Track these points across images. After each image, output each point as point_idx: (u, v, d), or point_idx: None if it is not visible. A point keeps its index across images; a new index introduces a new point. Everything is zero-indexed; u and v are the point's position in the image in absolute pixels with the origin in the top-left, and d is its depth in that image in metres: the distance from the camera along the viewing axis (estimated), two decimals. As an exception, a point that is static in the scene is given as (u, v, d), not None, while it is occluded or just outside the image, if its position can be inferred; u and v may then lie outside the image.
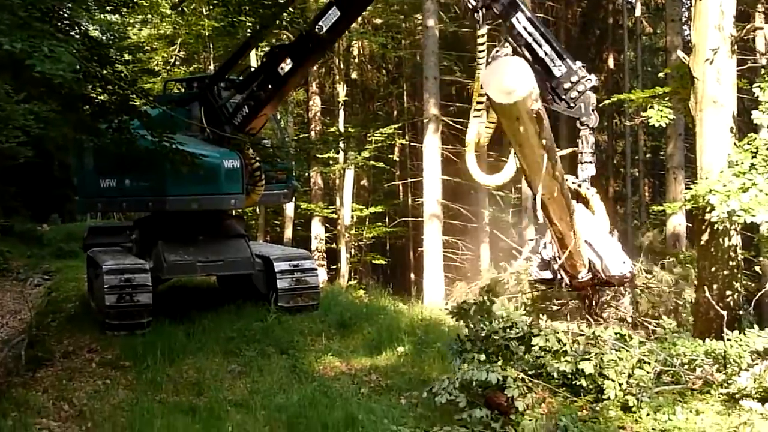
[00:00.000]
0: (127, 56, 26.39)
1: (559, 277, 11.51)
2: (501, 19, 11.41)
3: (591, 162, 10.88)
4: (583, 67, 10.63)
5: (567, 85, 10.68)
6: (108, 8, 14.35)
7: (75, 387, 10.54)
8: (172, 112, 13.70)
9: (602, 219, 11.14)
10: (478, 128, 12.07)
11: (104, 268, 13.12)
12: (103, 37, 27.81)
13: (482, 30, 11.71)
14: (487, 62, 11.47)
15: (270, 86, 13.81)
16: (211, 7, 22.02)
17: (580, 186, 10.91)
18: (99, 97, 11.85)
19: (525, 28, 11.01)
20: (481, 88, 11.69)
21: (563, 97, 10.77)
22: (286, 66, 13.56)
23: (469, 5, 11.53)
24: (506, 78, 7.88)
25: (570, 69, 10.66)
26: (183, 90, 15.87)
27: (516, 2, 11.32)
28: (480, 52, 11.82)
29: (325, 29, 13.00)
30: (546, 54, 10.82)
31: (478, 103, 11.92)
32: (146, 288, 13.10)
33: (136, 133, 11.96)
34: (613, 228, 11.47)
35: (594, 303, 12.10)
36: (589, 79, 10.57)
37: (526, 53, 11.08)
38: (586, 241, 10.99)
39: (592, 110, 10.72)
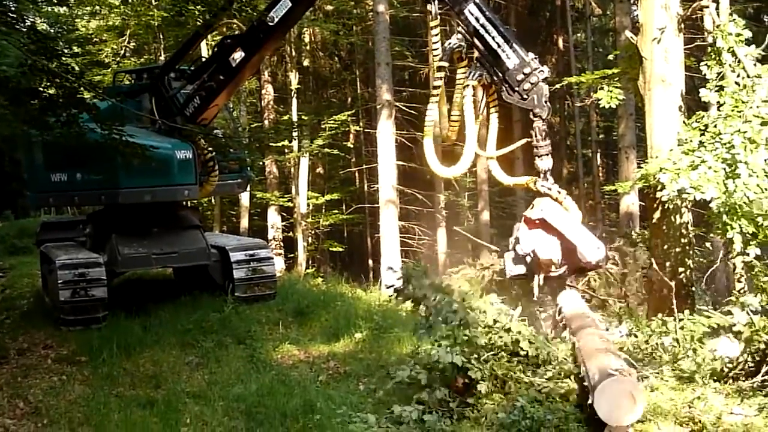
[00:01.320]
0: (76, 48, 26.12)
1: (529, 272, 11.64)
2: (452, 9, 11.44)
3: (547, 154, 10.98)
4: (535, 58, 10.69)
5: (520, 77, 10.74)
6: (55, 0, 14.15)
7: (30, 384, 10.39)
8: (121, 104, 13.56)
9: (575, 214, 11.27)
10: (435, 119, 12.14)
11: (57, 263, 12.97)
12: (51, 30, 27.43)
13: (435, 21, 11.78)
14: (442, 56, 11.58)
15: (222, 77, 13.71)
16: (159, -3, 21.82)
17: (550, 189, 11.01)
18: (47, 91, 11.68)
19: (477, 19, 11.05)
20: (437, 80, 11.80)
21: (516, 88, 10.85)
22: (238, 56, 13.47)
23: None
24: None
25: (522, 60, 10.72)
26: (133, 81, 15.70)
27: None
28: (434, 43, 11.87)
29: (276, 19, 12.93)
30: (498, 45, 10.87)
31: (434, 95, 11.96)
32: (101, 282, 12.97)
33: (85, 126, 11.80)
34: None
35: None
36: (541, 71, 10.64)
37: (478, 44, 11.14)
38: (559, 233, 11.12)
39: (545, 102, 10.79)
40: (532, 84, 10.73)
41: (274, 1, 13.08)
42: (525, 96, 10.84)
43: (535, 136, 10.93)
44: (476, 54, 11.45)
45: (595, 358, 8.31)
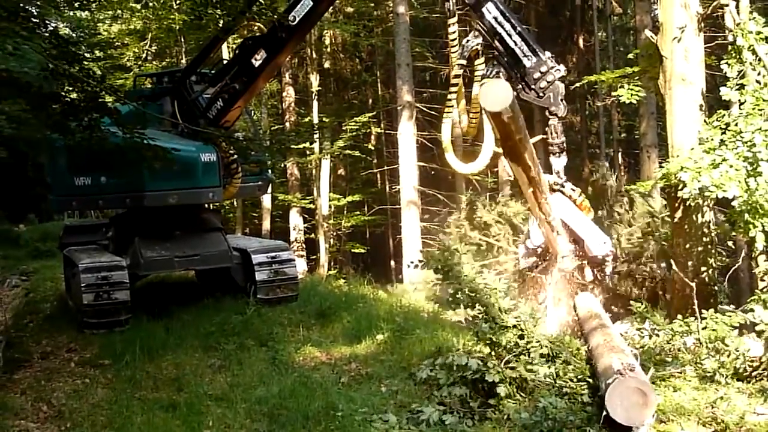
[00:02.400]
0: (98, 53, 26.32)
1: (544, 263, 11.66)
2: (472, 8, 11.48)
3: (562, 151, 11.01)
4: (552, 57, 10.74)
5: (536, 75, 10.78)
6: (76, 4, 14.24)
7: (54, 387, 10.45)
8: (143, 108, 13.63)
9: (588, 211, 11.30)
10: (454, 126, 12.21)
11: (81, 267, 13.04)
12: (73, 34, 27.63)
13: (453, 19, 11.81)
14: (460, 54, 11.65)
15: (244, 78, 13.75)
16: (179, 1, 21.90)
17: (563, 186, 11.03)
18: (69, 95, 11.75)
19: (495, 18, 11.11)
20: (455, 78, 11.85)
21: (533, 86, 10.89)
22: (260, 57, 13.50)
23: None
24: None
25: (539, 59, 10.76)
26: (154, 85, 15.77)
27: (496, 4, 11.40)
28: (452, 41, 11.89)
29: (297, 19, 12.96)
30: (516, 44, 10.92)
31: (452, 85, 11.99)
32: (123, 285, 13.02)
33: (107, 130, 11.86)
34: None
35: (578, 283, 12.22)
36: (558, 69, 10.68)
37: (495, 42, 11.18)
38: (567, 226, 11.12)
39: (561, 100, 10.82)
40: (548, 82, 10.77)
41: (294, 1, 13.12)
42: (541, 94, 10.88)
43: (551, 134, 10.98)
44: (494, 52, 11.49)
45: (602, 359, 8.35)
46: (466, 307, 10.59)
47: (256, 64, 13.56)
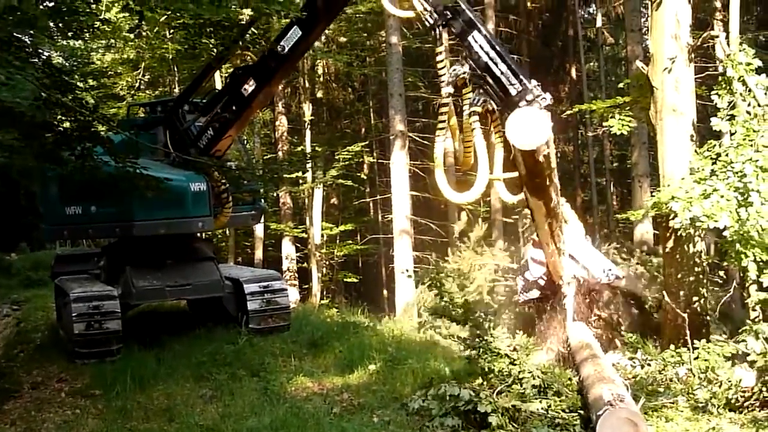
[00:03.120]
0: (91, 81, 26.36)
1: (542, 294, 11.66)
2: (458, 37, 11.51)
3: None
4: (538, 86, 10.71)
5: (522, 104, 10.73)
6: (69, 34, 14.27)
7: (44, 418, 10.40)
8: (135, 137, 13.65)
9: (576, 227, 11.26)
10: (446, 146, 12.18)
11: (72, 296, 12.99)
12: (66, 64, 27.67)
13: (440, 47, 11.83)
14: (448, 82, 11.65)
15: (234, 108, 13.76)
16: (172, 30, 21.98)
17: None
18: (61, 125, 11.77)
19: (482, 47, 11.10)
20: (444, 106, 11.85)
21: None
22: (250, 87, 13.52)
23: (427, 23, 11.66)
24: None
25: (525, 88, 10.73)
26: (147, 114, 15.80)
27: (473, 21, 11.43)
28: (440, 69, 11.92)
29: (287, 48, 12.98)
30: (502, 73, 10.90)
31: (441, 121, 11.99)
32: (115, 315, 12.97)
33: (99, 159, 11.87)
34: (587, 234, 11.60)
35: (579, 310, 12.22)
36: (543, 98, 10.64)
37: (481, 70, 11.19)
38: (570, 255, 11.12)
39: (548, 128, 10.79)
40: None
41: (284, 30, 13.15)
42: None
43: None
44: (481, 81, 11.52)
45: (593, 389, 8.34)
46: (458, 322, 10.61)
47: (246, 93, 13.57)
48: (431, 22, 11.72)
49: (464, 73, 11.61)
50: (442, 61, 11.92)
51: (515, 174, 11.99)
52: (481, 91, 11.47)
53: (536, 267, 11.40)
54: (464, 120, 11.79)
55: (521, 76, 10.84)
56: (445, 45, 12.00)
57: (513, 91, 10.86)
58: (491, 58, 11.12)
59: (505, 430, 8.67)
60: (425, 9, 11.87)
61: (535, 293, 11.90)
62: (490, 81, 11.20)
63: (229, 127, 13.98)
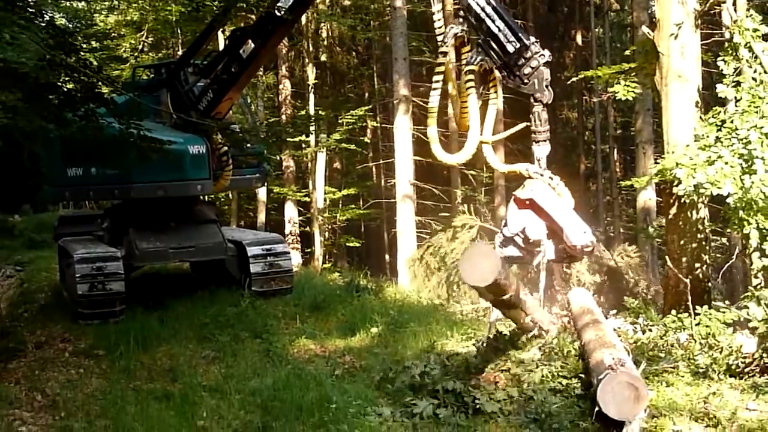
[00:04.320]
0: (94, 43, 26.25)
1: (523, 254, 11.53)
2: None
3: (545, 140, 10.85)
4: (536, 42, 10.58)
5: (520, 62, 10.61)
6: (72, -6, 14.23)
7: (48, 377, 10.46)
8: (139, 99, 13.61)
9: (568, 201, 11.17)
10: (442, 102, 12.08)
11: (75, 257, 13.04)
12: (70, 25, 27.54)
13: (438, 5, 11.77)
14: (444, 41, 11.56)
15: (233, 69, 13.70)
16: (175, -9, 21.89)
17: (542, 176, 10.88)
18: (65, 86, 11.73)
19: (478, 3, 10.99)
20: (440, 65, 11.78)
21: (516, 73, 10.73)
22: (248, 48, 13.47)
23: None
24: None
25: (523, 44, 10.59)
26: (151, 76, 15.74)
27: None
28: (438, 28, 11.85)
29: (284, 9, 12.91)
30: (499, 30, 10.76)
31: (437, 74, 11.89)
32: (118, 276, 13.03)
33: (103, 121, 11.85)
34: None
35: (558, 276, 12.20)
36: (542, 55, 10.48)
37: (479, 27, 11.09)
38: (546, 215, 11.00)
39: (546, 86, 10.64)
40: (532, 68, 10.57)
41: None
42: (525, 81, 10.71)
43: (534, 121, 10.76)
44: (479, 40, 11.41)
45: (595, 354, 8.38)
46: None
47: (245, 54, 13.49)
48: None
49: (461, 31, 11.54)
50: (439, 19, 11.85)
51: (507, 134, 11.88)
52: (479, 50, 11.38)
53: (514, 223, 11.27)
54: (461, 80, 11.72)
55: (519, 34, 10.72)
56: (441, 4, 11.92)
57: (510, 48, 10.73)
58: (488, 15, 10.97)
59: (507, 393, 8.71)
60: None
61: (512, 250, 11.76)
62: (487, 38, 11.10)
63: (228, 88, 13.91)
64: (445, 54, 11.75)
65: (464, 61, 11.50)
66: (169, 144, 12.85)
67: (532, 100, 10.73)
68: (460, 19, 11.59)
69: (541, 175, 10.82)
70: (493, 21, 10.92)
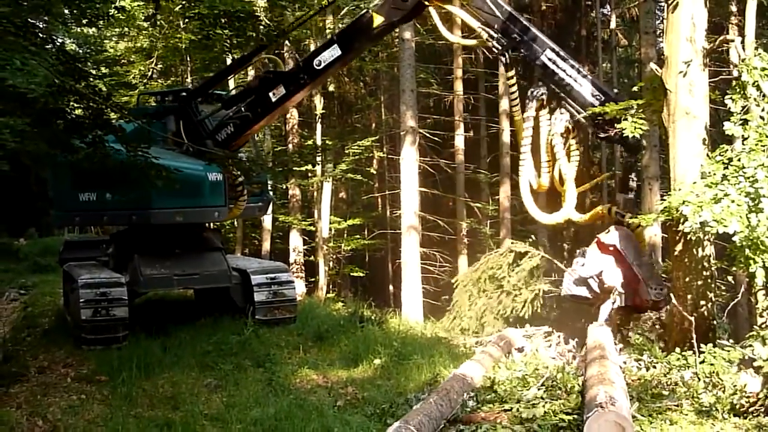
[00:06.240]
0: (103, 69, 26.39)
1: (593, 296, 11.75)
2: (528, 58, 12.09)
3: (633, 189, 11.43)
4: (618, 92, 11.06)
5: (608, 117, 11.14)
6: (84, 21, 14.31)
7: (49, 402, 10.44)
8: (147, 126, 13.70)
9: (632, 238, 11.47)
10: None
11: (80, 282, 13.06)
12: (80, 51, 27.73)
13: (510, 72, 12.25)
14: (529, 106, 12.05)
15: (259, 110, 14.02)
16: (186, 20, 22.02)
17: (623, 217, 11.30)
18: (73, 112, 11.79)
19: (556, 63, 11.64)
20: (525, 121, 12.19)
21: (606, 126, 11.32)
22: (278, 93, 13.77)
23: (495, 49, 12.04)
24: None
25: (609, 97, 11.15)
26: (158, 103, 15.85)
27: (543, 40, 11.77)
28: (512, 93, 12.31)
29: (323, 64, 13.30)
30: (582, 86, 11.33)
31: (525, 138, 12.39)
32: (122, 302, 13.05)
33: (110, 147, 11.89)
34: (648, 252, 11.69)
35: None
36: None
37: (563, 90, 11.67)
38: (626, 264, 11.21)
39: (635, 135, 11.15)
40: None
41: (324, 46, 13.51)
42: (615, 133, 11.27)
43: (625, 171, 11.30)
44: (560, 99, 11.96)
45: (591, 390, 8.35)
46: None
47: (274, 99, 13.81)
48: (499, 48, 12.08)
49: (542, 94, 12.03)
50: (513, 84, 12.32)
51: (592, 184, 12.29)
52: (562, 111, 11.81)
53: (593, 265, 11.44)
54: (546, 140, 12.12)
55: (602, 87, 11.22)
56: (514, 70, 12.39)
57: (597, 103, 11.16)
58: (569, 75, 11.51)
59: (511, 429, 8.68)
60: (491, 36, 12.19)
61: (583, 291, 11.91)
62: (570, 98, 11.56)
63: (250, 126, 14.21)
64: (527, 119, 12.27)
65: (549, 125, 11.90)
66: (187, 170, 12.97)
67: (622, 148, 11.31)
68: (539, 83, 12.11)
69: (623, 216, 11.14)
70: (575, 80, 11.37)
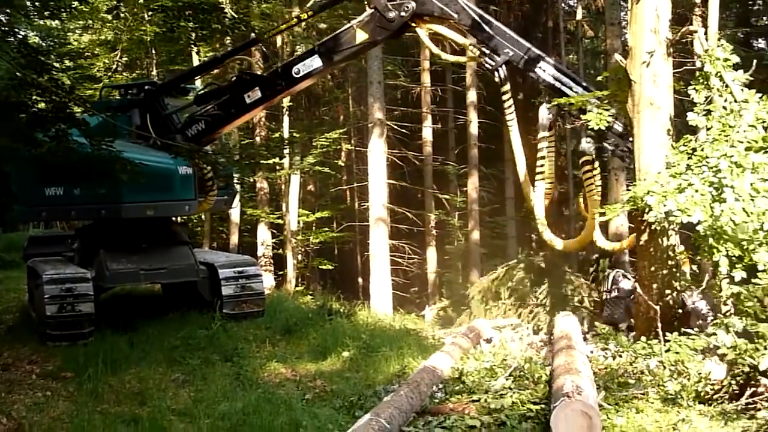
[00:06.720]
0: (67, 62, 26.11)
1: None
2: (524, 72, 12.58)
3: None
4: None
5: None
6: (46, 13, 14.16)
7: (14, 399, 10.31)
8: (113, 120, 13.58)
9: None
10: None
11: (44, 278, 12.93)
12: (43, 43, 27.40)
13: (505, 87, 12.40)
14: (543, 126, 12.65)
15: (233, 110, 13.97)
16: (151, 12, 21.84)
17: None
18: (36, 106, 11.66)
19: (553, 76, 11.85)
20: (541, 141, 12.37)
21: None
22: (254, 96, 13.73)
23: (488, 65, 12.30)
24: None
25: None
26: (122, 96, 15.70)
27: (539, 54, 12.29)
28: (508, 108, 12.48)
29: (301, 73, 13.30)
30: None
31: (541, 158, 12.58)
32: (88, 297, 12.93)
33: (74, 141, 11.77)
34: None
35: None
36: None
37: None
38: None
39: None
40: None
41: (304, 55, 13.53)
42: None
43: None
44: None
45: (558, 380, 8.40)
46: None
47: (249, 101, 13.78)
48: (492, 64, 12.24)
49: (552, 115, 12.44)
50: (508, 99, 12.41)
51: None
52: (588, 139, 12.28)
53: (626, 283, 11.78)
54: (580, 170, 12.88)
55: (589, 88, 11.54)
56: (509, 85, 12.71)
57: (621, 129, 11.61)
58: (564, 84, 11.77)
59: (478, 419, 8.70)
60: (483, 53, 12.35)
61: (620, 315, 12.18)
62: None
63: (221, 125, 14.22)
64: (544, 138, 12.49)
65: (581, 152, 12.25)
66: (158, 164, 12.93)
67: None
68: (547, 104, 12.50)
69: None
70: (570, 88, 11.80)
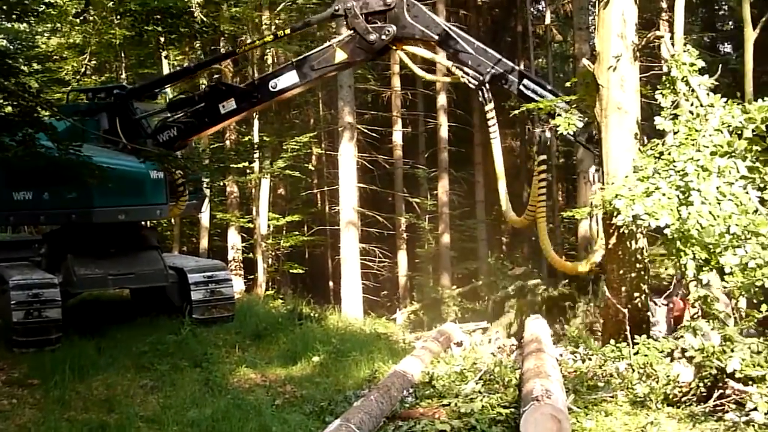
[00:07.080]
0: (35, 66, 25.90)
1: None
2: (509, 89, 12.80)
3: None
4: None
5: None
6: (13, 16, 14.02)
7: (-21, 408, 10.23)
8: (80, 124, 13.47)
9: None
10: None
11: (11, 284, 12.79)
12: (10, 47, 27.16)
13: (489, 105, 12.52)
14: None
15: (206, 119, 13.95)
16: (119, 16, 21.72)
17: None
18: (2, 110, 11.55)
19: (535, 92, 12.04)
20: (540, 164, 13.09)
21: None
22: (228, 106, 13.73)
23: (471, 85, 12.67)
24: None
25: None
26: (90, 100, 15.57)
27: (522, 72, 12.68)
28: (491, 126, 12.60)
29: (277, 88, 13.30)
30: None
31: (541, 181, 13.24)
32: (55, 303, 12.79)
33: (41, 145, 11.66)
34: None
35: None
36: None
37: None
38: None
39: None
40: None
41: (281, 69, 13.56)
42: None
43: None
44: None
45: (528, 384, 8.43)
46: None
47: (223, 111, 13.77)
48: (475, 83, 12.32)
49: (550, 138, 12.64)
50: (492, 117, 12.79)
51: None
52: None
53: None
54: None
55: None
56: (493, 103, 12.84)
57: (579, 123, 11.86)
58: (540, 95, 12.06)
59: (448, 424, 8.71)
60: (466, 73, 12.45)
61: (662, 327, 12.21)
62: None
63: (193, 132, 14.20)
64: (543, 162, 13.16)
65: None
66: (129, 168, 12.88)
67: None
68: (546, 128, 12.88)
69: None
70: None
